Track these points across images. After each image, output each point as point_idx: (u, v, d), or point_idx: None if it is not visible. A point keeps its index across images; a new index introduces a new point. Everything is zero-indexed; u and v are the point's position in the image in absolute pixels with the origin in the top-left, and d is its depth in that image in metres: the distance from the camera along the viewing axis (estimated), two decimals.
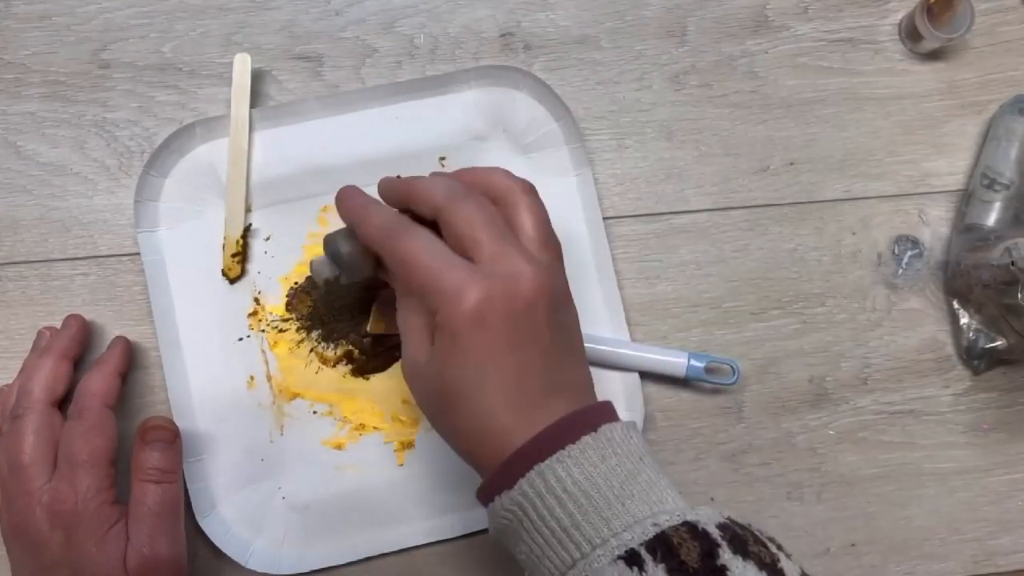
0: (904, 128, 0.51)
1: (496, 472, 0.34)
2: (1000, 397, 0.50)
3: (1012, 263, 0.44)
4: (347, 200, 0.39)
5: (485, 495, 0.35)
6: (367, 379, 0.47)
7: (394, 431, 0.47)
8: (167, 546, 0.41)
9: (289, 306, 0.47)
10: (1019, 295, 0.44)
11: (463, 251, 0.35)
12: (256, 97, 0.48)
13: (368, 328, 0.47)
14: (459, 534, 0.46)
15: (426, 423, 0.47)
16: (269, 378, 0.47)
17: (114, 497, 0.41)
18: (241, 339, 0.47)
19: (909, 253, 0.50)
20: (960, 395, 0.50)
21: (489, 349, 0.33)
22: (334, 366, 0.47)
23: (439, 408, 0.36)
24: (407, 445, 0.47)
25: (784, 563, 0.31)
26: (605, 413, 0.35)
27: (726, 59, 0.51)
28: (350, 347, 0.47)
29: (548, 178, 0.48)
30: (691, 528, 0.31)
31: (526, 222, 0.37)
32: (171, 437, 0.43)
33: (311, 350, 0.47)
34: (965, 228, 0.49)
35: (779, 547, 0.32)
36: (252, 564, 0.45)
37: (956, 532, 0.49)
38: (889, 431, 0.49)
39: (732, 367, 0.47)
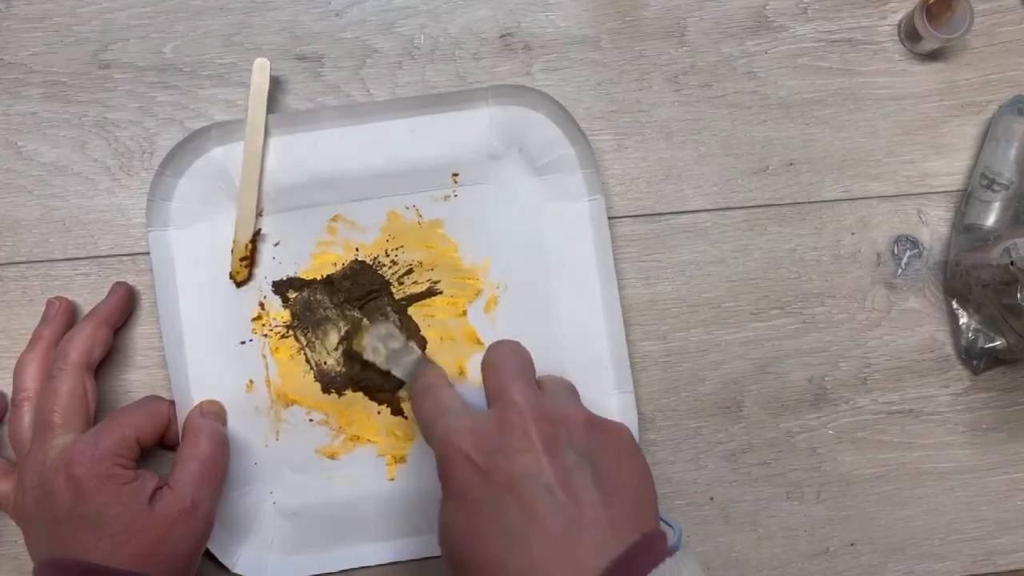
0: (903, 128, 0.51)
1: None
2: (999, 397, 0.50)
3: (1011, 263, 0.44)
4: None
5: None
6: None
7: (387, 445, 0.47)
8: (208, 502, 0.41)
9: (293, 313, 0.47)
10: (1018, 295, 0.44)
11: None
12: None
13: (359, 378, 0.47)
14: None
15: (420, 438, 0.47)
16: (268, 383, 0.47)
17: (133, 467, 0.41)
18: (243, 342, 0.47)
19: (908, 253, 0.50)
20: (959, 395, 0.50)
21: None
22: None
23: None
24: (399, 459, 0.47)
25: None
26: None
27: (725, 59, 0.51)
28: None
29: (560, 202, 0.48)
30: None
31: None
32: (224, 418, 0.46)
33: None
34: (964, 228, 0.49)
35: None
36: (239, 568, 0.45)
37: (955, 532, 0.50)
38: (888, 431, 0.50)
39: (673, 528, 0.37)
